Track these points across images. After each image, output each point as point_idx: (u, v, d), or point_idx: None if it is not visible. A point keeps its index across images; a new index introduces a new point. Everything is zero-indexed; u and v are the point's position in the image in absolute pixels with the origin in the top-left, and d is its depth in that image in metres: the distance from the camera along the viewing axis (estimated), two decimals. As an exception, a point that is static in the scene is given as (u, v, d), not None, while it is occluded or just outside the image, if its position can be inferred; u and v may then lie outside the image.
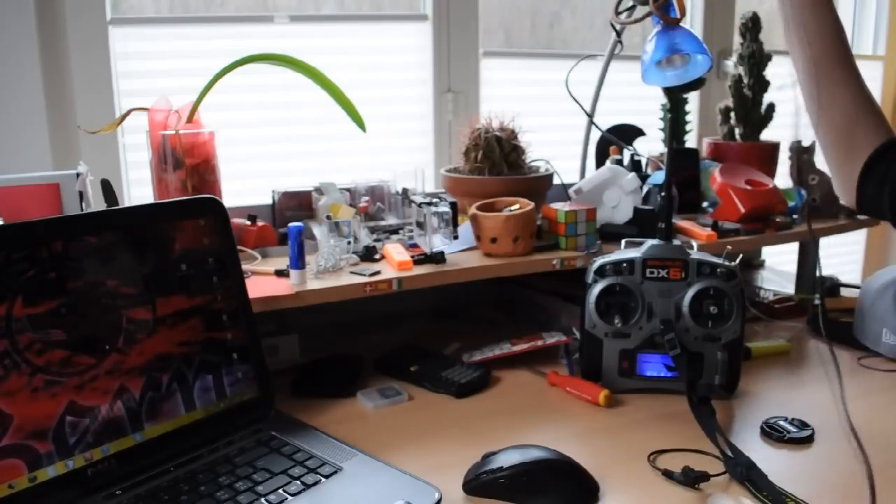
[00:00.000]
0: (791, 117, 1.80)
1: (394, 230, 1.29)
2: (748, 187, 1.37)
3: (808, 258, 1.58)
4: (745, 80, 1.52)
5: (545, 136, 1.38)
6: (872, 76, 2.41)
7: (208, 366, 0.86)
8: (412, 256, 1.12)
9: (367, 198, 1.32)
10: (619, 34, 1.36)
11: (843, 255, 2.39)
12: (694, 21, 1.93)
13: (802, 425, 0.90)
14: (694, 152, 1.50)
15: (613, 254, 1.03)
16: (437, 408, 0.99)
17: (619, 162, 1.42)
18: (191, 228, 0.87)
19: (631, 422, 0.93)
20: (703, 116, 1.94)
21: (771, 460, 0.82)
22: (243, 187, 1.32)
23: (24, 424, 0.70)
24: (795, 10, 0.92)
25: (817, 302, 1.38)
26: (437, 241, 1.14)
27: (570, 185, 1.34)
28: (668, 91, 1.39)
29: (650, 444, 0.86)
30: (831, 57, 0.91)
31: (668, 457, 0.84)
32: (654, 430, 0.91)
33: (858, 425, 0.89)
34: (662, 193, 1.04)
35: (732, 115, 1.55)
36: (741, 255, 1.01)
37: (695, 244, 1.06)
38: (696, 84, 1.11)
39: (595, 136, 1.51)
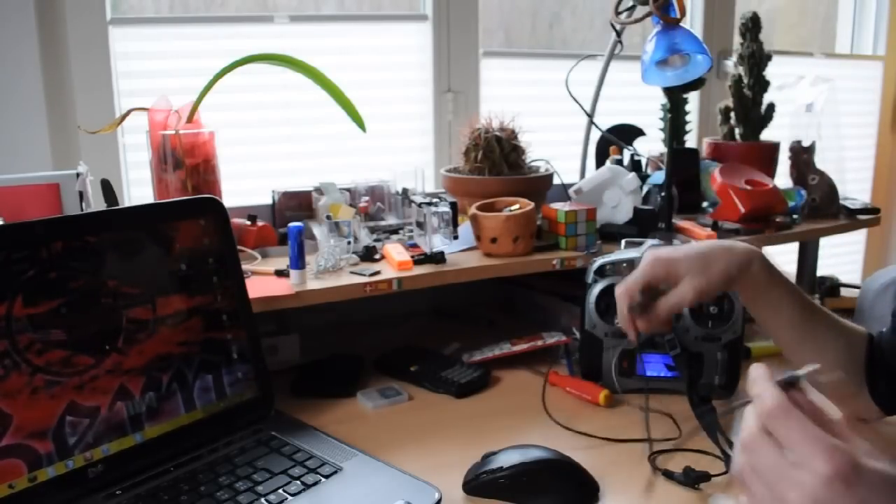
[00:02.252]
0: (791, 117, 1.80)
1: (394, 230, 1.29)
2: (748, 187, 1.37)
3: (807, 258, 1.58)
4: (745, 80, 1.52)
5: (545, 136, 1.38)
6: (872, 76, 2.41)
7: (208, 366, 0.86)
8: (412, 256, 1.12)
9: (367, 198, 1.32)
10: (619, 34, 1.36)
11: (843, 255, 2.40)
12: (694, 21, 1.93)
13: (802, 425, 0.89)
14: (694, 152, 1.50)
15: (613, 254, 1.03)
16: (437, 408, 0.99)
17: (619, 162, 1.42)
18: (191, 228, 0.87)
19: (631, 422, 0.93)
20: (703, 116, 1.94)
21: (771, 460, 0.82)
22: (243, 187, 1.32)
23: (24, 424, 0.70)
24: None
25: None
26: (437, 241, 1.14)
27: (570, 185, 1.34)
28: (668, 91, 1.40)
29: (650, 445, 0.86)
30: None
31: (669, 457, 0.84)
32: (654, 430, 0.90)
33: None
34: (662, 193, 1.04)
35: (732, 115, 1.55)
36: (741, 255, 1.01)
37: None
38: (696, 84, 1.12)
39: (595, 136, 1.51)
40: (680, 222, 1.31)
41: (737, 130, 1.56)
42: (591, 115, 1.47)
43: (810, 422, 0.46)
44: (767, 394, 0.48)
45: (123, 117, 1.12)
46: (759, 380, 0.49)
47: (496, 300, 1.39)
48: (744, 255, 0.80)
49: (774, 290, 0.82)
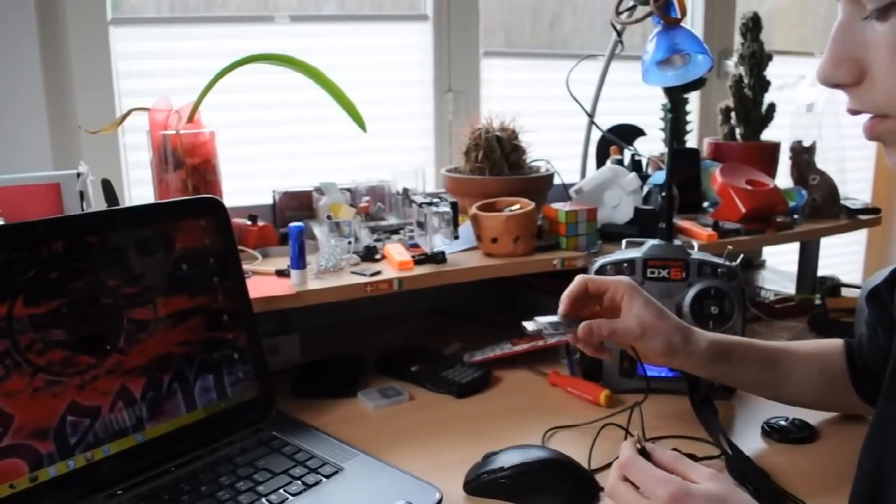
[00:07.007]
0: (791, 117, 1.80)
1: (394, 230, 1.29)
2: (749, 187, 1.37)
3: (808, 258, 1.58)
4: (746, 80, 1.52)
5: (545, 136, 1.38)
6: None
7: (209, 366, 0.86)
8: (413, 256, 1.12)
9: (367, 198, 1.32)
10: (619, 34, 1.36)
11: (843, 255, 2.40)
12: (694, 21, 1.93)
13: (803, 425, 0.90)
14: (694, 152, 1.50)
15: (614, 254, 1.03)
16: (438, 408, 0.99)
17: (620, 162, 1.42)
18: (191, 228, 0.87)
19: (632, 423, 0.93)
20: (704, 116, 1.94)
21: (771, 460, 0.82)
22: (244, 187, 1.32)
23: (26, 424, 0.70)
24: None
25: (818, 302, 1.38)
26: (438, 241, 1.14)
27: (571, 185, 1.34)
28: (669, 91, 1.40)
29: (651, 444, 0.86)
30: None
31: (669, 457, 0.84)
32: (654, 430, 0.90)
33: (857, 424, 0.89)
34: (663, 193, 1.04)
35: (733, 115, 1.55)
36: (742, 256, 1.01)
37: (695, 244, 1.06)
38: (696, 84, 1.11)
39: (595, 136, 1.51)
40: (680, 222, 1.31)
41: (737, 130, 1.56)
42: (591, 115, 1.47)
43: (651, 465, 0.63)
44: (623, 452, 0.65)
45: (124, 117, 1.12)
46: (623, 446, 0.66)
47: (497, 300, 1.39)
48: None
49: (733, 347, 0.86)
